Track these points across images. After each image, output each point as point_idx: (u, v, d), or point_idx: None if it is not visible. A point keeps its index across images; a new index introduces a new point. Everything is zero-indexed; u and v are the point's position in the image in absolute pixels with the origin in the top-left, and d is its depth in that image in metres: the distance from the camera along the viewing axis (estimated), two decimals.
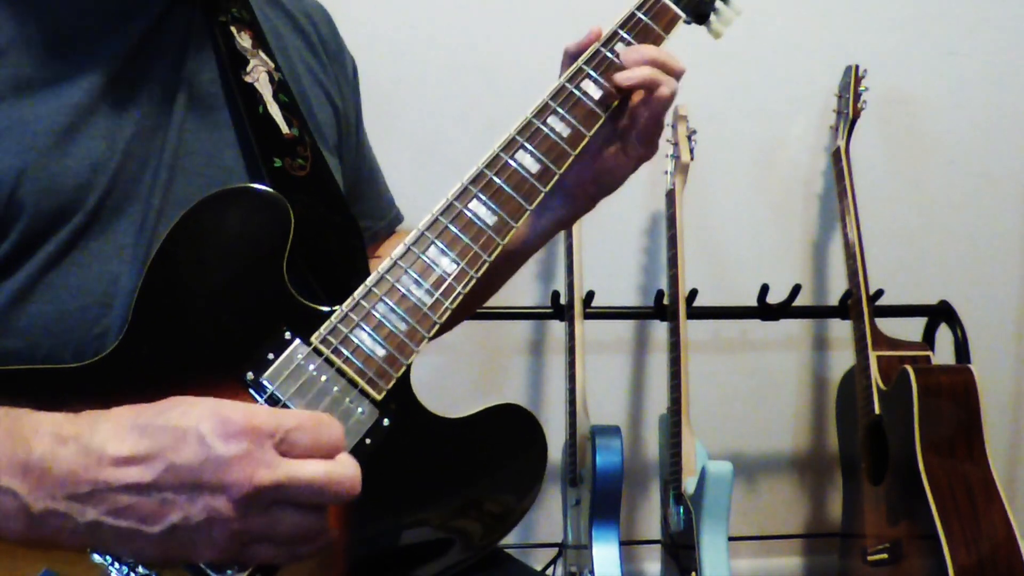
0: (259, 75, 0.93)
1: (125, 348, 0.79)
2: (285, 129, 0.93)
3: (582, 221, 2.08)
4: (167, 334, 0.80)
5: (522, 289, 2.23)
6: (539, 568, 2.05)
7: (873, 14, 2.27)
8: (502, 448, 0.86)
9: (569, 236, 2.08)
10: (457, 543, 0.85)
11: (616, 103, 0.98)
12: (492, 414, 0.86)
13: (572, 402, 2.02)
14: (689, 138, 2.10)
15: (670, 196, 2.09)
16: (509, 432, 0.86)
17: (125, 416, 0.70)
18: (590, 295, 2.09)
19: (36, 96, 0.82)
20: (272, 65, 0.95)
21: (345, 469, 0.71)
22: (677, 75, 0.99)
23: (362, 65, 1.16)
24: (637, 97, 0.99)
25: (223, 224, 0.83)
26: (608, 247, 2.24)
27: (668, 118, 2.07)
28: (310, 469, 0.69)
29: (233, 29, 0.93)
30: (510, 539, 2.20)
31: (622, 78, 0.96)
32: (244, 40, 0.94)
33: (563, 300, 2.08)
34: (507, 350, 2.27)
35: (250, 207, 0.84)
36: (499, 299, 2.14)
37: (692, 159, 2.09)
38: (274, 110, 0.92)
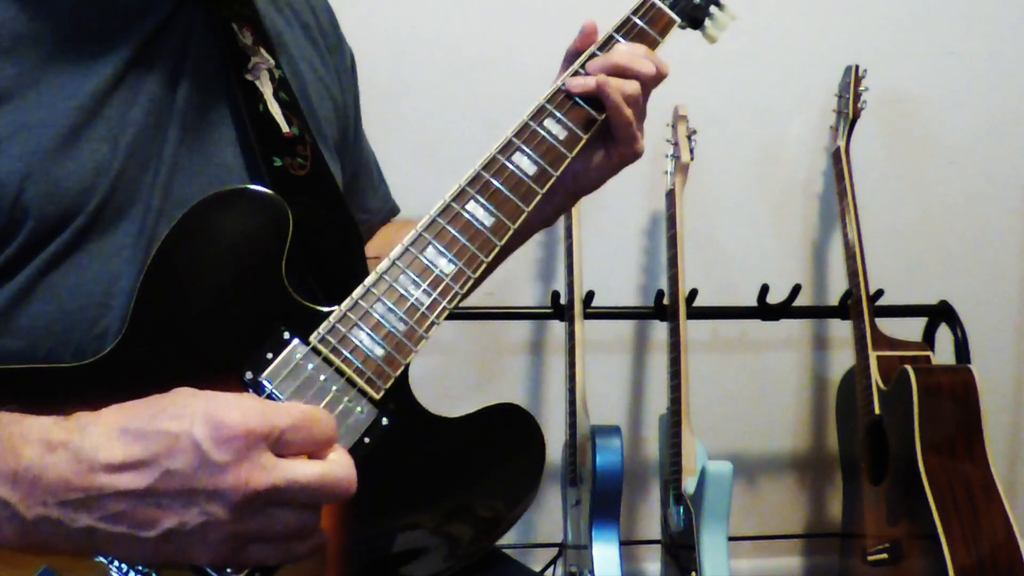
0: (260, 73, 0.93)
1: (123, 348, 0.79)
2: (285, 128, 0.93)
3: (582, 221, 2.09)
4: (165, 334, 0.80)
5: (522, 289, 2.24)
6: (539, 568, 2.06)
7: (873, 14, 2.27)
8: (501, 448, 0.86)
9: (569, 236, 2.08)
10: (455, 543, 0.85)
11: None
12: (491, 413, 0.86)
13: (572, 402, 2.02)
14: (689, 138, 2.10)
15: (670, 196, 2.09)
16: (508, 432, 0.86)
17: (116, 420, 0.69)
18: (590, 295, 2.09)
19: (41, 96, 0.82)
20: (273, 62, 0.95)
21: (340, 469, 0.71)
22: (641, 77, 0.99)
23: (362, 65, 1.16)
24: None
25: (222, 225, 0.83)
26: (608, 247, 2.24)
27: (668, 118, 2.10)
28: (305, 470, 0.69)
29: (235, 26, 0.93)
30: (510, 539, 2.22)
31: (574, 84, 0.97)
32: (245, 37, 0.94)
33: (563, 300, 2.08)
34: (507, 350, 2.27)
35: (249, 208, 0.84)
36: (499, 299, 2.17)
37: (692, 159, 2.09)
38: (274, 109, 0.92)
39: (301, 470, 0.69)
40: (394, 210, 1.21)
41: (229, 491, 0.67)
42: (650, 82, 1.00)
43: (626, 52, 0.99)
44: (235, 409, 0.68)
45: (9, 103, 0.80)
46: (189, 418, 0.67)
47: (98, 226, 0.83)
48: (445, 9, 2.12)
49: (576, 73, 0.99)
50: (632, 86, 0.98)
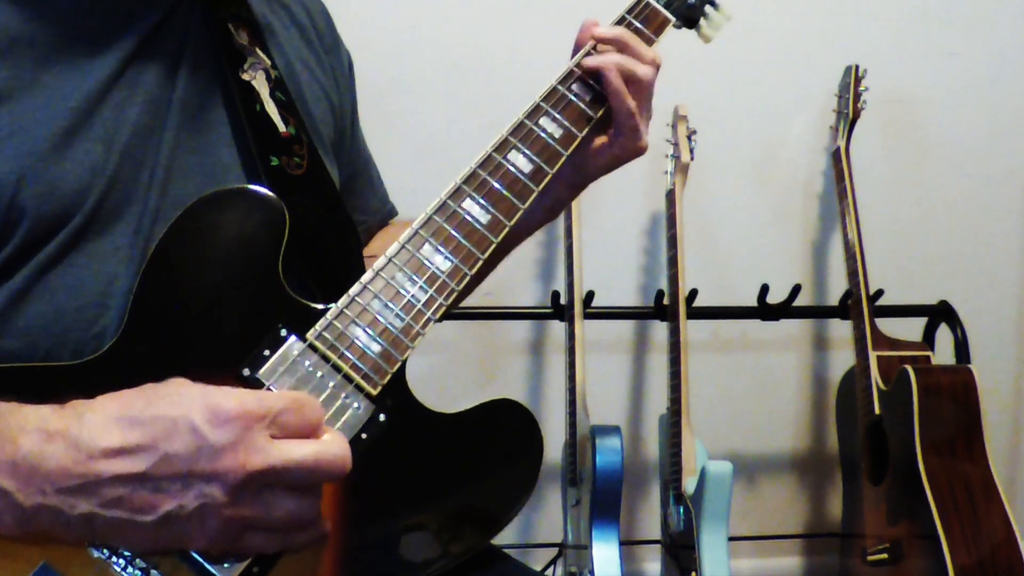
0: (256, 73, 0.94)
1: (121, 346, 0.79)
2: (282, 128, 0.93)
3: (582, 221, 2.09)
4: (163, 332, 0.80)
5: (522, 289, 2.24)
6: (539, 568, 2.06)
7: (873, 14, 2.27)
8: (498, 443, 0.86)
9: (569, 236, 2.08)
10: (452, 538, 0.85)
11: (607, 106, 0.99)
12: (488, 409, 0.86)
13: (572, 402, 2.02)
14: (689, 138, 2.10)
15: (670, 196, 2.09)
16: (505, 427, 0.87)
17: (113, 407, 0.70)
18: (590, 295, 2.09)
19: (37, 98, 0.82)
20: (269, 63, 0.96)
21: (334, 447, 0.72)
22: (642, 58, 0.99)
23: (362, 64, 1.16)
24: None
25: (219, 224, 0.83)
26: (608, 247, 2.24)
27: (668, 118, 2.10)
28: (301, 449, 0.70)
29: (231, 27, 0.94)
30: (510, 539, 2.22)
31: (590, 62, 0.98)
32: (241, 37, 0.94)
33: (563, 300, 2.08)
34: (507, 350, 2.27)
35: (246, 207, 0.84)
36: (499, 299, 2.17)
37: (692, 159, 2.09)
38: (271, 108, 0.93)
39: (297, 449, 0.70)
40: (392, 212, 1.21)
41: (227, 473, 0.68)
42: (648, 67, 0.99)
43: (622, 36, 1.00)
44: (231, 393, 0.70)
45: (5, 105, 0.81)
46: (187, 403, 0.69)
47: (95, 226, 0.83)
48: (445, 9, 2.13)
49: (571, 73, 0.99)
50: (632, 65, 0.98)
